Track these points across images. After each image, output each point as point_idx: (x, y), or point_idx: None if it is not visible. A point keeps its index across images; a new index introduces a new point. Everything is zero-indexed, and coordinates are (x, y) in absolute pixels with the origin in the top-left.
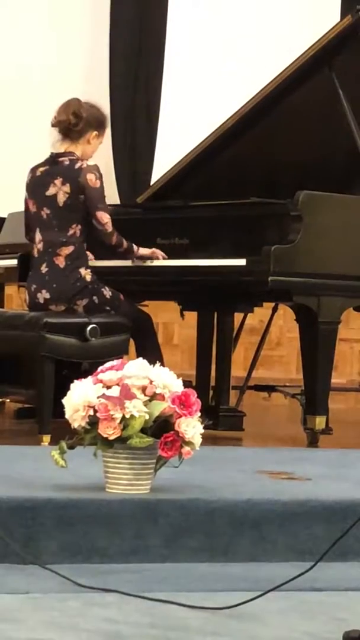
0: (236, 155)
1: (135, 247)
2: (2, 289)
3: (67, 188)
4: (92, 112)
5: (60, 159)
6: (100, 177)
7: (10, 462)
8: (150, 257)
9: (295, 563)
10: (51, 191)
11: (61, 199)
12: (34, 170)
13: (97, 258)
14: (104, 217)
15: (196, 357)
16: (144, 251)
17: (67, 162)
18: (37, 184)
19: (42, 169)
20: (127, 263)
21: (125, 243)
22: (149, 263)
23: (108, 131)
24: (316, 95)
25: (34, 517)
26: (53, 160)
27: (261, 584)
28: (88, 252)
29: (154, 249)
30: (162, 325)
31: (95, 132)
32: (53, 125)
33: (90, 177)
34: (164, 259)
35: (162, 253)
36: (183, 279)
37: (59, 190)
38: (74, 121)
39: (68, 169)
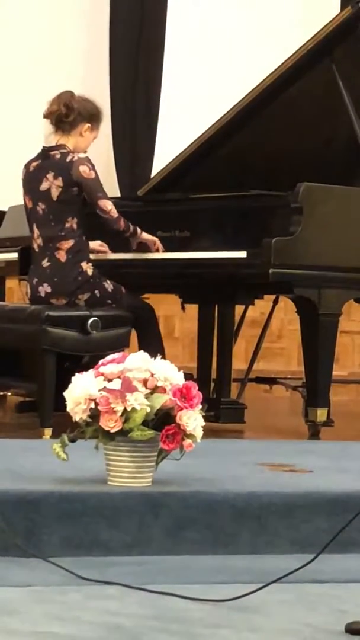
0: (236, 147)
1: (139, 230)
2: (3, 282)
3: (59, 182)
4: (84, 104)
5: (52, 153)
6: (93, 167)
7: (12, 456)
8: (153, 241)
9: (297, 555)
10: (44, 186)
11: (55, 193)
12: (27, 165)
13: (113, 250)
14: (107, 205)
15: (197, 350)
16: (147, 236)
17: (58, 156)
18: (31, 180)
19: (34, 163)
20: (128, 256)
21: (131, 227)
22: (150, 256)
23: (108, 124)
24: (316, 86)
25: (36, 510)
26: (45, 154)
27: (263, 576)
28: (104, 245)
29: (156, 239)
30: (163, 318)
31: (87, 125)
32: (45, 116)
33: (84, 169)
34: (163, 251)
35: (161, 246)
36: (184, 271)
37: (52, 185)
38: (64, 112)
39: (59, 163)
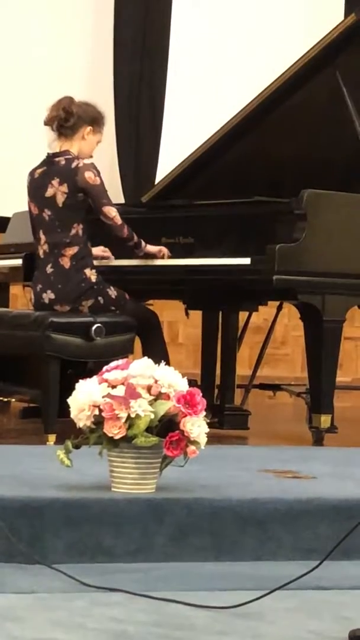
0: (240, 154)
1: (143, 242)
2: (7, 288)
3: (64, 188)
4: (84, 108)
5: (57, 159)
6: (99, 173)
7: (16, 462)
8: (156, 255)
9: (300, 562)
10: (50, 192)
11: (60, 199)
12: (32, 172)
13: (117, 257)
14: (111, 211)
15: (201, 356)
16: (151, 248)
17: (63, 162)
18: (36, 186)
19: (39, 170)
20: (133, 262)
21: (135, 236)
22: (154, 262)
23: (112, 130)
24: (320, 93)
25: (40, 516)
26: (49, 160)
27: (267, 582)
28: (107, 250)
29: (160, 247)
30: (167, 324)
31: (89, 128)
32: (45, 124)
33: (89, 176)
34: (169, 257)
35: (167, 251)
36: (188, 278)
37: (57, 191)
38: (64, 116)
39: (64, 169)
